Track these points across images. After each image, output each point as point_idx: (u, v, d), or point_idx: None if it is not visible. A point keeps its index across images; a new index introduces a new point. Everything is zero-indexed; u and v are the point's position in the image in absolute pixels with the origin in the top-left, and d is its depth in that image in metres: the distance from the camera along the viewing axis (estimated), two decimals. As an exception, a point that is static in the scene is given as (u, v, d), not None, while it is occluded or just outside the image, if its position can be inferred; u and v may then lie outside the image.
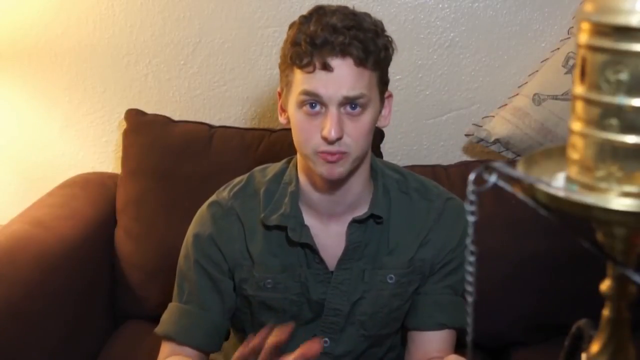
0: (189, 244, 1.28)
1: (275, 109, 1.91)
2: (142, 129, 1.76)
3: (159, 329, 1.28)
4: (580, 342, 0.60)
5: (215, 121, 1.83)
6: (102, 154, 1.95)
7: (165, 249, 1.68)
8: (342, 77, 1.12)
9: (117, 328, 1.71)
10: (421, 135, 1.90)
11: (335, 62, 1.11)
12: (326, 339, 1.27)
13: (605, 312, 0.55)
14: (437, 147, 1.91)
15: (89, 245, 1.65)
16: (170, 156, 1.72)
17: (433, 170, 1.68)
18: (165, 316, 1.29)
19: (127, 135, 1.77)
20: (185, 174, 1.70)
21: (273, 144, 1.70)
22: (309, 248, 1.24)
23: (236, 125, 1.84)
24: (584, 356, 0.57)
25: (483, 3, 1.82)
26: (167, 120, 1.77)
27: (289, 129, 1.83)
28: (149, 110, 1.80)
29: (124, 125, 1.80)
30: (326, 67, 1.11)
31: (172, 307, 1.29)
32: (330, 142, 1.13)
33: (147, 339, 1.61)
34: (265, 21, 1.84)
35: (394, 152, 1.82)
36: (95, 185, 1.81)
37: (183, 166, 1.70)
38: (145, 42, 1.86)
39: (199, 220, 1.28)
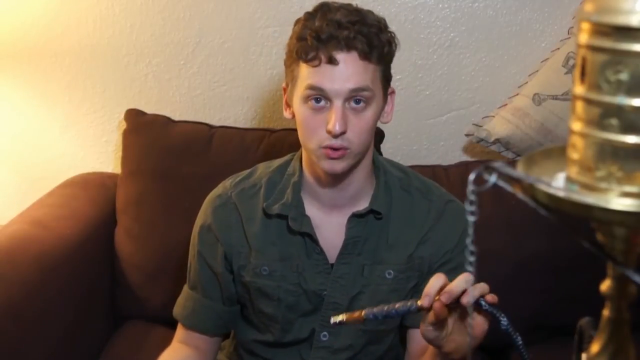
0: (194, 234, 1.34)
1: (275, 109, 1.92)
2: (142, 129, 1.76)
3: (174, 311, 1.37)
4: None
5: (215, 121, 1.83)
6: (102, 154, 1.94)
7: (165, 249, 1.68)
8: (347, 70, 1.14)
9: (118, 328, 1.71)
10: (421, 135, 1.90)
11: (341, 56, 1.14)
12: (325, 332, 1.29)
13: (605, 312, 0.55)
14: (437, 147, 1.91)
15: (89, 245, 1.64)
16: (170, 156, 1.72)
17: (433, 171, 1.68)
18: (179, 298, 1.38)
19: (127, 135, 1.77)
20: (185, 174, 1.69)
21: (273, 144, 1.70)
22: (310, 238, 1.26)
23: (236, 125, 1.84)
24: (584, 356, 0.57)
25: (483, 3, 1.82)
26: (167, 120, 1.77)
27: (289, 129, 1.83)
28: (149, 110, 1.80)
29: (124, 125, 1.80)
30: (331, 61, 1.14)
31: (184, 291, 1.37)
32: (335, 136, 1.15)
33: (148, 340, 1.61)
34: (265, 21, 1.84)
35: (394, 152, 1.82)
36: (95, 185, 1.81)
37: (183, 166, 1.70)
38: (145, 42, 1.86)
39: (202, 211, 1.34)
